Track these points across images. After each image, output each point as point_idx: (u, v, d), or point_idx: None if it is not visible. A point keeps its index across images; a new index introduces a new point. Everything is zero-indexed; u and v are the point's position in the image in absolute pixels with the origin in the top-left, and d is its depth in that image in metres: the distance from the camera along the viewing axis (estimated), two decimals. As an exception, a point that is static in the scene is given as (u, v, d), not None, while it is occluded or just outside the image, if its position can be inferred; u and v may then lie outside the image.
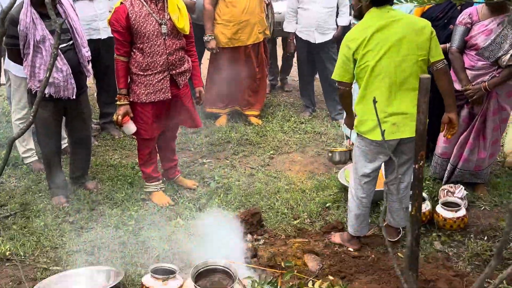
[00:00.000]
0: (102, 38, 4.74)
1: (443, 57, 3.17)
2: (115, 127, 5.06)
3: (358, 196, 3.40)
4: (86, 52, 3.88)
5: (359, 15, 3.26)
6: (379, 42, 3.05)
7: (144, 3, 3.64)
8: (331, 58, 5.49)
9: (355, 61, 3.13)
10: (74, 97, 3.80)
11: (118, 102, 3.76)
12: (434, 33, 3.13)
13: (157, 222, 3.79)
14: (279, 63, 6.81)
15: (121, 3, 3.63)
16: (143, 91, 3.75)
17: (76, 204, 4.01)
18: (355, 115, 3.35)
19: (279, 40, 6.76)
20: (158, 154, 4.19)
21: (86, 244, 3.54)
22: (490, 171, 4.19)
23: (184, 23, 3.76)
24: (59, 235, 3.63)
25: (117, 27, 3.60)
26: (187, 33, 3.83)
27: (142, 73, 3.72)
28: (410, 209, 1.92)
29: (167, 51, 3.74)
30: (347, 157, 3.88)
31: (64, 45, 3.71)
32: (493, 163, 4.24)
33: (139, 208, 3.97)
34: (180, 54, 3.84)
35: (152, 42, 3.67)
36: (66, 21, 3.69)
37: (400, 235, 3.59)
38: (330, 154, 3.93)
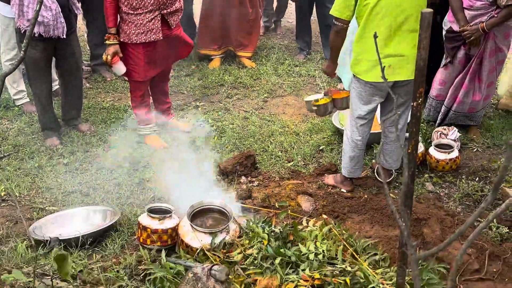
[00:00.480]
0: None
1: None
2: (106, 68, 5.00)
3: (354, 139, 3.41)
4: None
5: None
6: None
7: None
8: None
9: None
10: (64, 36, 3.72)
11: (107, 42, 3.67)
12: None
13: (152, 164, 3.80)
14: (275, 4, 6.64)
15: None
16: (133, 31, 3.65)
17: (70, 146, 4.00)
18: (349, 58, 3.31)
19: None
20: (151, 97, 4.14)
21: (82, 185, 3.55)
22: (483, 113, 4.20)
23: None
24: (54, 177, 3.64)
25: None
26: None
27: (132, 12, 3.61)
28: (406, 147, 1.93)
29: (160, 1, 3.62)
30: (327, 108, 3.62)
31: None
32: (487, 106, 4.24)
33: (134, 151, 3.96)
34: (176, 4, 3.73)
35: None
36: None
37: (392, 177, 3.63)
38: (315, 108, 3.65)
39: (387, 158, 3.57)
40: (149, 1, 3.60)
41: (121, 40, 3.70)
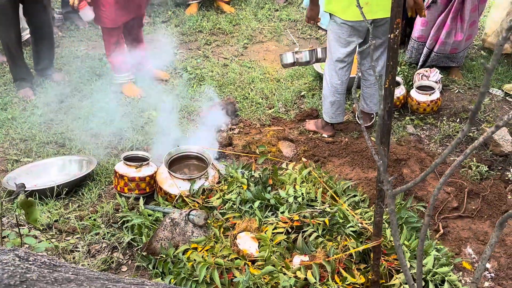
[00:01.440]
0: None
1: None
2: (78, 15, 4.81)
3: (333, 83, 3.34)
4: None
5: None
6: None
7: None
8: None
9: None
10: None
11: None
12: None
13: (130, 114, 3.72)
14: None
15: None
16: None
17: (44, 97, 3.88)
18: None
19: None
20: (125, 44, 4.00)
21: (57, 135, 3.47)
22: (465, 54, 4.14)
23: None
24: (28, 128, 3.54)
25: None
26: None
27: None
28: (383, 83, 1.87)
29: None
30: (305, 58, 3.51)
31: None
32: (469, 46, 4.17)
33: (110, 100, 3.86)
34: None
35: None
36: None
37: (373, 121, 3.59)
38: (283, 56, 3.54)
39: (367, 101, 3.52)
40: None
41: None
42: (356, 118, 3.67)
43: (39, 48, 3.94)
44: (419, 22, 4.01)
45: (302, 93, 4.03)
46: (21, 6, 3.81)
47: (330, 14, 3.19)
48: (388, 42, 1.77)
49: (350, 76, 3.79)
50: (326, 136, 3.55)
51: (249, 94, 4.02)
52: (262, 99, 3.97)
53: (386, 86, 1.83)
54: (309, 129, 3.61)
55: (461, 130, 1.36)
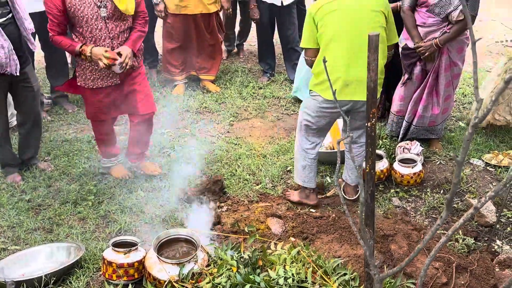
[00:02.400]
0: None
1: (396, 41, 3.38)
2: (66, 100, 4.94)
3: (304, 148, 3.48)
4: (28, 24, 3.68)
5: None
6: (338, 8, 3.10)
7: None
8: (293, 21, 5.46)
9: (316, 24, 3.18)
10: (17, 73, 3.58)
11: (87, 55, 3.35)
12: (392, 16, 3.25)
13: (117, 195, 3.74)
14: (237, 29, 6.69)
15: None
16: (89, 76, 3.50)
17: (32, 181, 3.90)
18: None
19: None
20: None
21: (45, 221, 3.46)
22: (444, 126, 4.29)
23: (126, 3, 3.37)
24: (16, 214, 3.53)
25: (52, 9, 3.26)
26: (132, 13, 3.45)
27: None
28: (364, 166, 1.95)
29: (110, 35, 3.41)
30: None
31: (4, 19, 3.48)
32: (447, 118, 4.33)
33: (98, 183, 3.89)
34: (126, 35, 3.51)
35: (92, 27, 3.34)
36: (17, 9, 3.53)
37: (358, 193, 3.65)
38: None
39: (350, 173, 3.62)
40: (99, 39, 3.39)
41: (78, 84, 3.55)
42: (341, 192, 3.73)
43: (26, 137, 3.96)
44: (397, 97, 4.19)
45: (289, 168, 4.11)
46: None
47: (310, 90, 3.36)
48: (366, 130, 1.86)
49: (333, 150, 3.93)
50: (311, 204, 3.59)
51: (236, 170, 4.08)
52: (249, 175, 4.03)
53: (367, 170, 1.91)
54: (292, 200, 3.66)
55: (440, 217, 1.41)
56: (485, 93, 4.24)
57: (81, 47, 3.35)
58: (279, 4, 5.36)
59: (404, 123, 4.18)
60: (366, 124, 1.84)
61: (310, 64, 3.35)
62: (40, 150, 4.25)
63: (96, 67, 3.45)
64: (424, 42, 3.81)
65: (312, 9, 3.19)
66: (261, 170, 4.09)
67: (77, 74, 3.55)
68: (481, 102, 1.18)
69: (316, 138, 3.47)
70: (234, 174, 4.04)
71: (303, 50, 3.38)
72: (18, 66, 3.58)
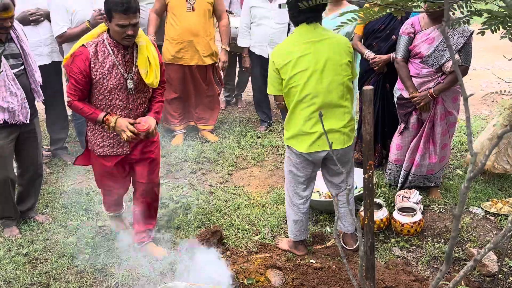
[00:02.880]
0: (47, 63, 4.62)
1: (356, 77, 3.44)
2: (66, 152, 4.98)
3: (294, 203, 3.49)
4: (38, 77, 3.79)
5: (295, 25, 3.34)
6: (305, 65, 3.15)
7: (111, 51, 3.15)
8: None
9: (281, 78, 3.23)
10: (28, 121, 3.68)
11: (111, 125, 3.20)
12: (353, 55, 3.34)
13: (115, 248, 3.69)
14: (236, 79, 6.82)
15: (83, 45, 3.13)
16: (98, 143, 3.34)
17: (29, 235, 3.87)
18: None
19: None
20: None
21: (41, 276, 3.40)
22: (442, 174, 4.30)
23: (153, 77, 3.27)
24: (13, 269, 3.48)
25: (77, 74, 3.10)
26: (156, 86, 3.36)
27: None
28: (363, 217, 1.95)
29: (130, 106, 3.28)
30: None
31: (17, 70, 3.61)
32: (445, 166, 4.35)
33: (96, 235, 3.86)
34: (144, 107, 3.38)
35: (113, 96, 3.21)
36: (18, 46, 3.61)
37: (357, 243, 3.62)
38: None
39: (343, 221, 3.63)
40: (118, 108, 3.26)
41: (89, 148, 3.45)
42: (341, 244, 3.70)
43: (26, 187, 3.98)
44: (394, 146, 4.22)
45: (288, 218, 4.08)
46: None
47: (285, 144, 3.44)
48: (364, 182, 1.87)
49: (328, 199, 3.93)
50: (299, 254, 3.58)
51: (235, 220, 4.06)
52: (248, 225, 4.00)
53: (365, 222, 1.90)
54: (282, 248, 3.66)
55: (440, 270, 1.40)
56: (482, 140, 4.29)
57: (105, 116, 3.20)
58: (266, 56, 5.49)
59: (402, 171, 4.20)
60: (364, 176, 1.85)
61: (282, 107, 3.39)
62: (38, 203, 4.24)
63: (108, 134, 3.32)
64: (418, 93, 3.89)
65: (276, 60, 3.21)
66: (260, 220, 4.07)
67: (87, 139, 3.44)
68: (476, 157, 1.20)
69: (306, 192, 3.49)
70: (233, 224, 4.01)
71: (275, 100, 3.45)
72: (29, 114, 3.66)
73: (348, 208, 3.54)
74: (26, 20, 4.29)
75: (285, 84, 3.22)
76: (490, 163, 4.32)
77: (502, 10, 1.77)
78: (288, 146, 3.41)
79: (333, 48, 3.18)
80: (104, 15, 3.12)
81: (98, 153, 3.38)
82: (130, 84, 3.22)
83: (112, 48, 3.15)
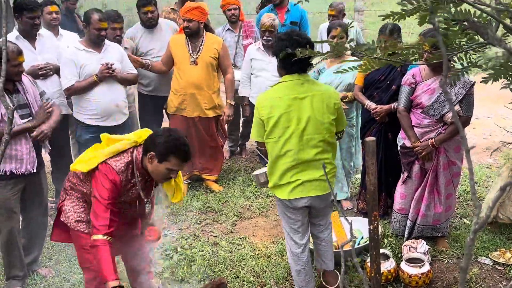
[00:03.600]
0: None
1: (344, 127, 3.52)
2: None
3: (294, 252, 3.49)
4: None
5: (280, 75, 3.44)
6: (288, 123, 3.23)
7: (137, 179, 2.95)
8: None
9: (264, 128, 3.33)
10: (34, 170, 3.69)
11: None
12: (341, 108, 3.42)
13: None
14: (240, 129, 6.89)
15: (116, 173, 2.85)
16: (74, 219, 3.09)
17: (33, 290, 3.81)
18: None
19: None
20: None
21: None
22: (449, 224, 4.26)
23: (180, 195, 3.23)
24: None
25: (104, 199, 2.81)
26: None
27: None
28: (369, 269, 1.92)
29: (138, 212, 3.19)
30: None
31: (25, 120, 3.67)
32: (451, 216, 4.32)
33: (99, 288, 3.80)
34: (150, 208, 3.25)
35: (126, 206, 3.06)
36: (25, 97, 3.69)
37: (339, 280, 3.59)
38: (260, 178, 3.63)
39: (323, 258, 3.64)
40: (123, 214, 3.04)
41: (62, 219, 3.13)
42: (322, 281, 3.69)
43: (29, 239, 3.95)
44: (398, 195, 4.22)
45: (293, 270, 4.02)
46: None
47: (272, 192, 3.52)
48: (369, 233, 1.86)
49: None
50: None
51: (240, 272, 4.00)
52: (253, 277, 3.94)
53: (372, 275, 1.88)
54: None
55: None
56: (491, 192, 4.28)
57: (115, 282, 2.69)
58: None
59: (409, 222, 4.16)
60: (369, 227, 1.85)
61: (264, 153, 3.45)
62: (42, 255, 4.20)
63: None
64: (420, 142, 3.92)
65: (261, 111, 3.28)
66: (265, 272, 4.01)
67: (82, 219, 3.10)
68: (479, 208, 1.20)
69: (303, 240, 3.50)
70: (238, 277, 3.95)
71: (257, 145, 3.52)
72: (36, 163, 3.69)
73: (328, 245, 3.60)
74: (35, 74, 4.40)
75: (267, 135, 3.31)
76: (494, 213, 4.28)
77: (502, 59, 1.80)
78: (275, 195, 3.49)
79: (317, 107, 3.23)
80: (152, 153, 2.82)
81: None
82: (147, 206, 3.15)
83: (139, 175, 2.95)
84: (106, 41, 4.69)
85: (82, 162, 2.94)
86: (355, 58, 2.16)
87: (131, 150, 2.93)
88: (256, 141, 3.52)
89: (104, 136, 3.05)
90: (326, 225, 3.60)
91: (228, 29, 6.17)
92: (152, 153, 2.80)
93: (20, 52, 3.58)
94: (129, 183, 2.92)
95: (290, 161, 3.28)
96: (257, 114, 3.33)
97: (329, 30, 4.85)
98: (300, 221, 3.45)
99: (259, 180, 3.64)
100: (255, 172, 3.71)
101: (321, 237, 3.59)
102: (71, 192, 3.12)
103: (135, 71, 4.88)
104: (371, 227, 1.82)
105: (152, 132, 2.98)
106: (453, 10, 1.79)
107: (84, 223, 3.04)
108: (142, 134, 3.00)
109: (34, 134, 3.64)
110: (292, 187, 3.31)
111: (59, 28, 5.25)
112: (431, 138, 3.88)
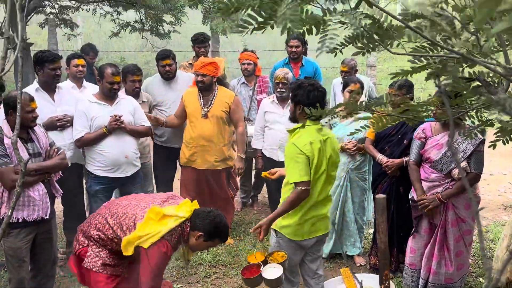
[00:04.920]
0: (68, 165, 4.73)
1: None
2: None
3: None
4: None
5: (293, 119, 3.60)
6: (321, 162, 3.40)
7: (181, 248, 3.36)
8: None
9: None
10: (47, 216, 3.73)
11: None
12: None
13: None
14: (252, 180, 6.88)
15: (164, 239, 3.12)
16: (100, 263, 3.29)
17: None
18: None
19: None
20: None
21: None
22: (464, 283, 4.13)
23: (192, 254, 3.62)
24: None
25: (155, 271, 3.11)
26: None
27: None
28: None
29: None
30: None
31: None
32: (466, 275, 4.19)
33: None
34: None
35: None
36: (38, 146, 3.79)
37: None
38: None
39: None
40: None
41: (85, 265, 3.31)
42: None
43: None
44: (408, 249, 4.15)
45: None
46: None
47: (276, 231, 3.59)
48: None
49: None
50: None
51: (249, 328, 3.89)
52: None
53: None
54: None
55: None
56: (500, 249, 4.16)
57: None
58: (276, 159, 5.59)
59: (421, 280, 4.06)
60: (380, 286, 1.81)
61: (305, 191, 3.35)
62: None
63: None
64: (427, 196, 3.88)
65: (308, 153, 3.34)
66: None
67: (89, 252, 3.33)
68: (490, 271, 1.19)
69: (296, 278, 3.69)
70: (248, 333, 3.84)
71: (297, 186, 3.37)
72: (49, 209, 3.73)
73: None
74: (53, 125, 4.50)
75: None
76: (509, 274, 4.16)
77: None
78: (276, 232, 3.59)
79: (334, 148, 3.51)
80: (201, 234, 3.22)
81: (100, 271, 3.27)
82: None
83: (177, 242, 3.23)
84: (120, 94, 4.81)
85: (140, 239, 3.09)
86: (367, 114, 2.20)
87: (180, 225, 3.21)
88: (300, 185, 3.35)
89: (153, 210, 3.17)
90: (320, 274, 3.75)
91: (243, 82, 6.30)
92: (201, 233, 3.20)
93: (32, 99, 3.73)
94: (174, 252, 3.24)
95: (314, 199, 3.43)
96: (298, 152, 3.34)
97: (345, 85, 4.93)
98: (298, 261, 3.65)
99: (277, 283, 3.41)
100: (268, 275, 3.41)
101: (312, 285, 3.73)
102: (98, 241, 3.28)
103: (148, 124, 4.96)
104: (382, 287, 1.79)
105: (197, 207, 3.33)
106: (467, 70, 1.82)
107: (111, 266, 3.27)
108: (188, 208, 3.28)
109: (33, 167, 3.69)
110: (309, 226, 3.46)
111: (83, 80, 5.43)
112: (438, 193, 3.85)
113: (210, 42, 6.97)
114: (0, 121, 3.71)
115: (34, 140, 3.79)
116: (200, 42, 6.44)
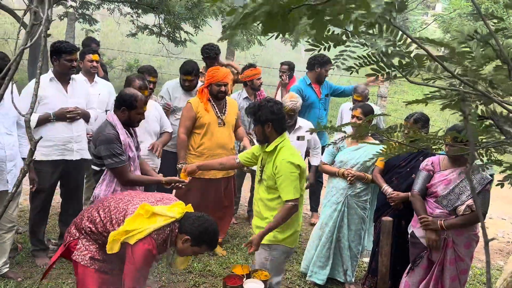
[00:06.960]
0: (74, 159, 4.73)
1: None
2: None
3: None
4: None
5: (263, 140, 3.75)
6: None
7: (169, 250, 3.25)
8: None
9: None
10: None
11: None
12: None
13: None
14: (246, 194, 6.87)
15: (151, 237, 3.04)
16: (89, 256, 3.20)
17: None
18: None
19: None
20: None
21: None
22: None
23: (187, 263, 3.59)
24: None
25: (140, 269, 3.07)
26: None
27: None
28: None
29: None
30: None
31: None
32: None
33: None
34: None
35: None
36: (137, 140, 4.08)
37: None
38: None
39: None
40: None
41: (74, 258, 3.23)
42: None
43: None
44: (403, 284, 4.09)
45: None
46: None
47: (269, 246, 3.70)
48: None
49: None
50: None
51: None
52: None
53: None
54: None
55: None
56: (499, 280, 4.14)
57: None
58: None
59: (417, 317, 4.00)
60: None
61: (296, 205, 3.58)
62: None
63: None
64: (430, 218, 3.83)
65: (301, 163, 3.62)
66: None
67: (89, 250, 3.24)
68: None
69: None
70: None
71: (288, 202, 3.56)
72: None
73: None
74: (63, 116, 4.52)
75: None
76: None
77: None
78: (271, 247, 3.70)
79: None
80: (188, 238, 3.13)
81: (98, 268, 3.20)
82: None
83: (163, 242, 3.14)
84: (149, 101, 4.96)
85: (127, 235, 3.04)
86: (375, 142, 2.20)
87: (169, 225, 3.13)
88: (291, 201, 3.55)
89: (144, 206, 3.11)
90: None
91: (246, 97, 6.28)
92: (188, 237, 3.11)
93: (146, 102, 4.03)
94: (160, 253, 3.17)
95: (301, 205, 3.75)
96: (294, 169, 3.55)
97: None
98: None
99: None
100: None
101: None
102: (89, 234, 3.22)
103: (170, 130, 5.15)
104: (378, 311, 1.77)
105: (188, 210, 3.26)
106: (480, 107, 1.83)
107: (99, 261, 3.20)
108: (180, 210, 3.20)
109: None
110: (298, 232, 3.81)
111: (96, 75, 5.47)
112: (440, 219, 3.81)
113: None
114: (15, 98, 3.75)
115: (133, 135, 3.99)
116: (212, 58, 6.38)
